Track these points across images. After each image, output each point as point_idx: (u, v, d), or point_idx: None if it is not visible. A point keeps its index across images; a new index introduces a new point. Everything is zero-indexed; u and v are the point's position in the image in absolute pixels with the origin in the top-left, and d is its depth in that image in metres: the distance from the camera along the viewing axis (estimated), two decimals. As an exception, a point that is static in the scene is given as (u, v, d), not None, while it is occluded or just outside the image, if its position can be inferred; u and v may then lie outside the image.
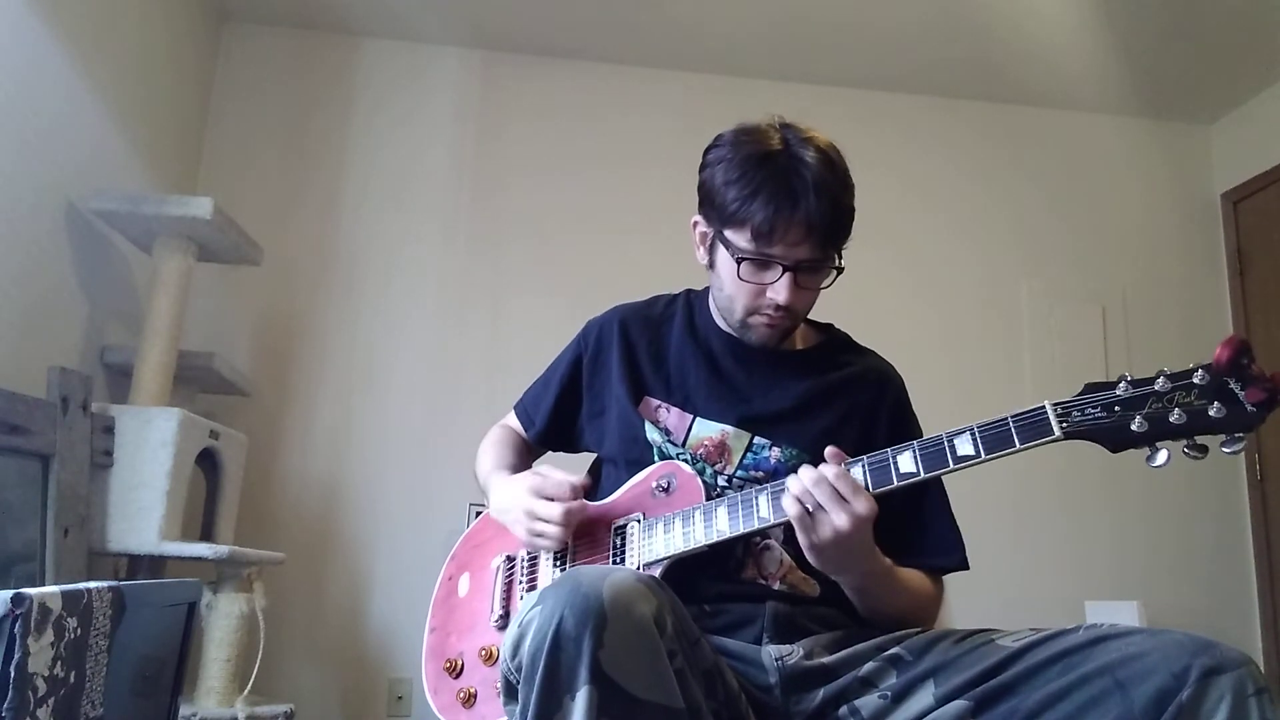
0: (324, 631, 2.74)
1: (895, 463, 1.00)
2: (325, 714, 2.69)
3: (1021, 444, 0.95)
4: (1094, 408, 0.93)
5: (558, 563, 1.19)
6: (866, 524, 0.98)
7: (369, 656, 2.74)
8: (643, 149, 3.18)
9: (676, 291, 1.39)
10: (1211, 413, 0.88)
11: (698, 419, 1.21)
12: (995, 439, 0.96)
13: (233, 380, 2.56)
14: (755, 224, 1.09)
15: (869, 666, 1.01)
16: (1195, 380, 0.89)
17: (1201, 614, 3.02)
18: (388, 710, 2.71)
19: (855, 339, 1.34)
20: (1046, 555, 3.06)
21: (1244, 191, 3.33)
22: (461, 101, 3.17)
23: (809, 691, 1.02)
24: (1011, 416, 0.96)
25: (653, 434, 1.21)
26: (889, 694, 0.97)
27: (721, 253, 1.17)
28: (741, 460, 1.17)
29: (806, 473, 1.00)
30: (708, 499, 1.11)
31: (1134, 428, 0.91)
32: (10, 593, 1.08)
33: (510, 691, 0.86)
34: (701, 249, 1.23)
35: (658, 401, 1.24)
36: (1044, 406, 0.94)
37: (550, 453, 1.44)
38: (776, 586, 1.11)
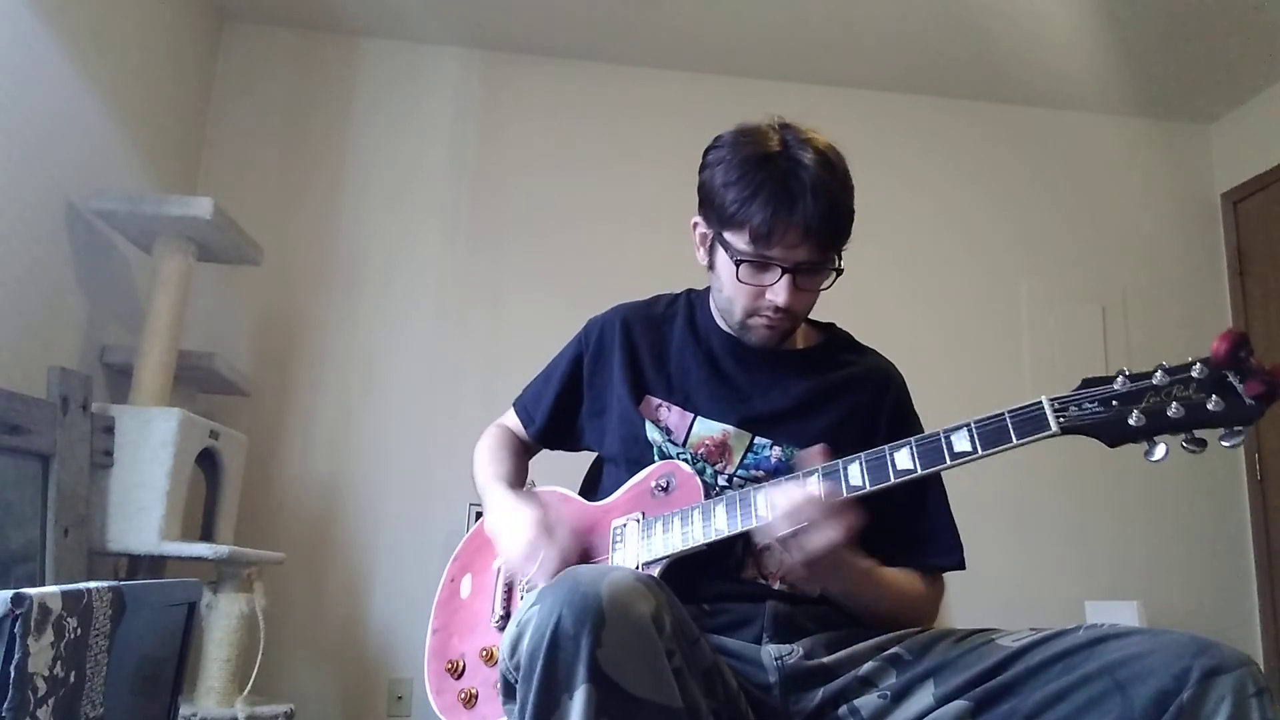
0: (324, 631, 2.74)
1: (892, 459, 1.00)
2: (325, 714, 2.69)
3: (1019, 439, 0.93)
4: (1091, 402, 0.92)
5: (558, 563, 1.19)
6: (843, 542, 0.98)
7: (369, 656, 2.74)
8: (643, 149, 3.18)
9: (677, 291, 1.39)
10: (1210, 406, 0.87)
11: (698, 418, 1.20)
12: (992, 434, 0.95)
13: (233, 380, 2.56)
14: (753, 226, 1.09)
15: (869, 666, 1.01)
16: (1193, 374, 0.88)
17: (1202, 614, 3.02)
18: (387, 710, 2.70)
19: (856, 338, 1.34)
20: (1046, 555, 3.06)
21: (1244, 191, 3.32)
22: (461, 101, 3.17)
23: (808, 691, 1.02)
24: (1008, 412, 0.95)
25: (653, 433, 1.21)
26: (889, 694, 0.97)
27: (721, 254, 1.16)
28: (742, 460, 1.17)
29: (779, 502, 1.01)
30: (707, 498, 1.11)
31: (1131, 422, 0.90)
32: (10, 593, 1.08)
33: (509, 690, 0.86)
34: (701, 250, 1.23)
35: (659, 401, 1.24)
36: (1041, 401, 0.94)
37: (549, 452, 1.44)
38: (776, 586, 1.11)
